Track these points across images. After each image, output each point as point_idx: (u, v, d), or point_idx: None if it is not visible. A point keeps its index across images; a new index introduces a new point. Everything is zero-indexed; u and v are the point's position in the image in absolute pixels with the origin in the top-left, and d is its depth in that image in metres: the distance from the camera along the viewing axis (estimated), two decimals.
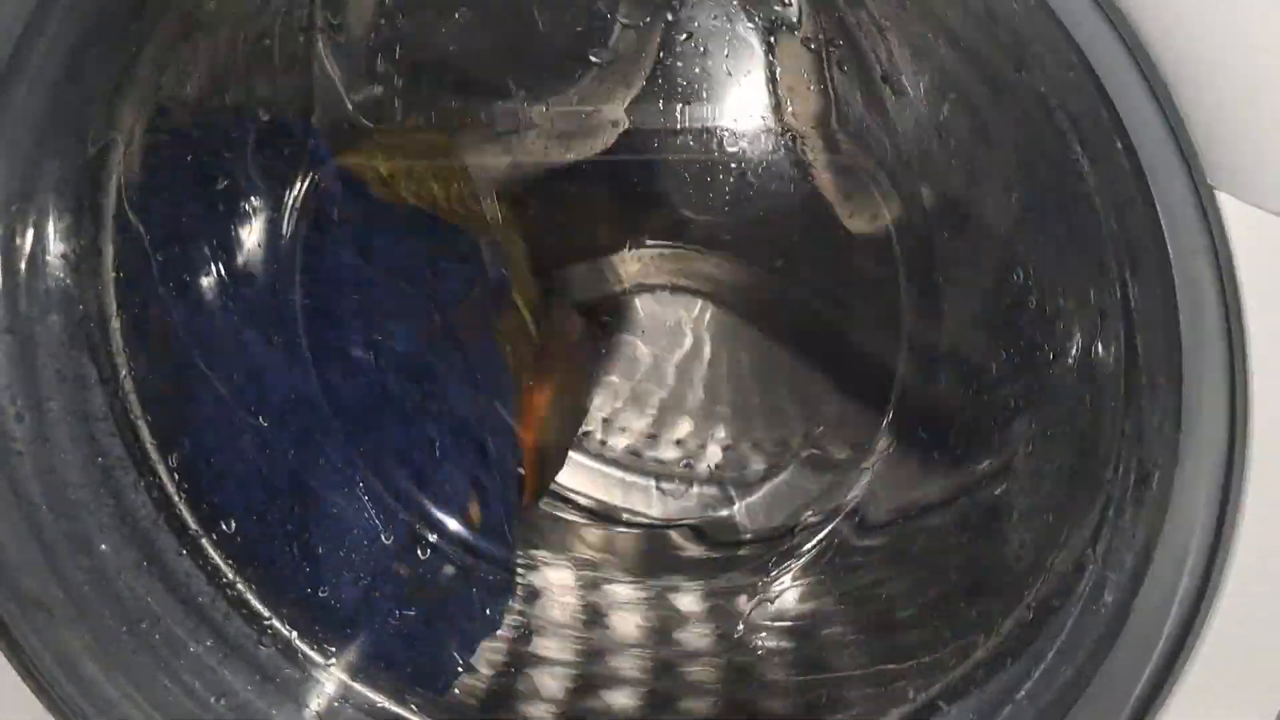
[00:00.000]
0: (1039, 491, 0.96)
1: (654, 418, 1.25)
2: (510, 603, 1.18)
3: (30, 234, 0.97)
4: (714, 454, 1.24)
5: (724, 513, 1.22)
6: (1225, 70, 0.65)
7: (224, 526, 1.09)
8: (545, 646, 1.17)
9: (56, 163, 0.97)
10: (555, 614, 1.19)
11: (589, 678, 1.15)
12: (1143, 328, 0.78)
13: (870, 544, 1.11)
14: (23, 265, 0.98)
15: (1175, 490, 0.78)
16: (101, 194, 1.01)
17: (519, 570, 1.19)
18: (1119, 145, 0.73)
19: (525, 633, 1.18)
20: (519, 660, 1.16)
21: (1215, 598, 0.76)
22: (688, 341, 1.22)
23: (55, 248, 0.99)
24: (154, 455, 1.07)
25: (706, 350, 1.21)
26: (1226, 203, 0.68)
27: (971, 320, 1.04)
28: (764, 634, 1.13)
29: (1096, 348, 0.87)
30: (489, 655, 1.15)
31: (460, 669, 1.14)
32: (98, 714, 0.99)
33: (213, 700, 1.05)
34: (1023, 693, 0.90)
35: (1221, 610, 0.76)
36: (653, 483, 1.25)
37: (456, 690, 1.13)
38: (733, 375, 1.23)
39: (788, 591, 1.13)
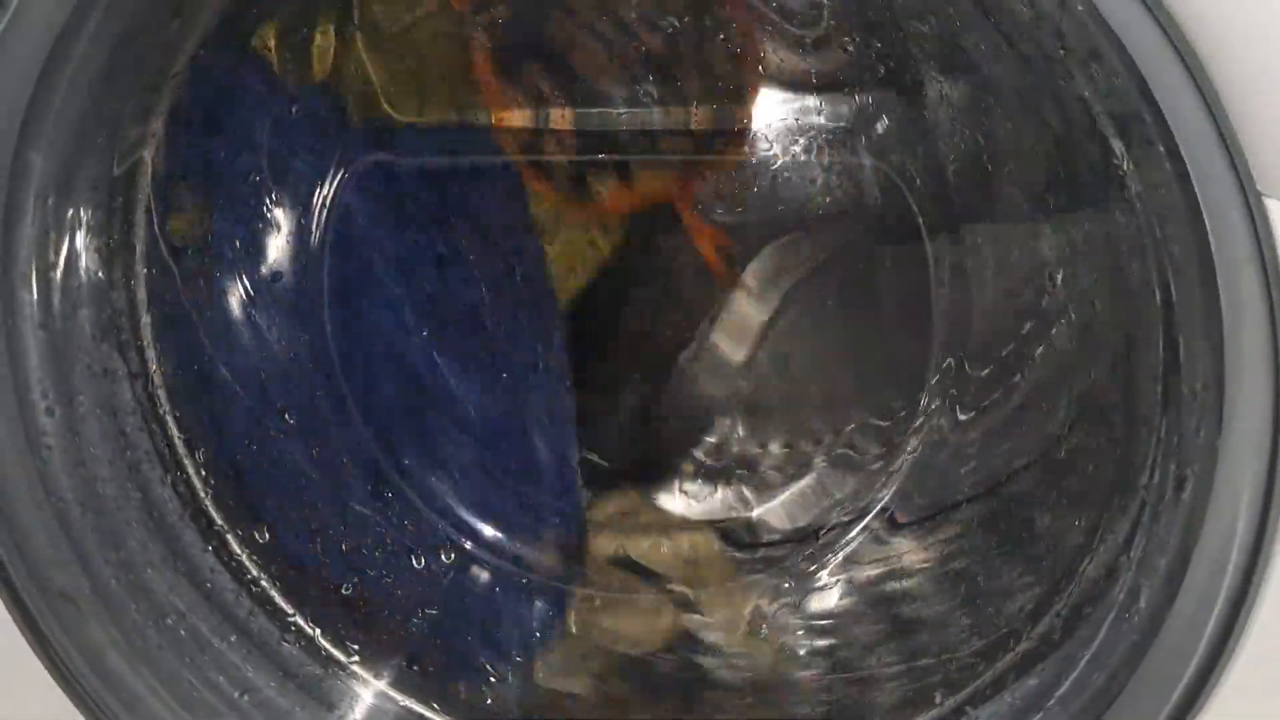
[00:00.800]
0: (1072, 495, 0.96)
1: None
2: (542, 607, 1.18)
3: (65, 229, 0.98)
4: (740, 454, 1.23)
5: (750, 514, 1.21)
6: (1277, 75, 0.65)
7: (249, 524, 1.10)
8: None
9: (93, 160, 0.97)
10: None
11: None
12: (1184, 333, 0.78)
13: (902, 541, 1.11)
14: (57, 260, 0.98)
15: (1213, 497, 0.77)
16: (135, 191, 1.02)
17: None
18: (1163, 150, 0.73)
19: (552, 635, 1.18)
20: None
21: (1254, 607, 0.75)
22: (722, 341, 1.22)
23: (89, 243, 1.00)
24: (181, 450, 1.07)
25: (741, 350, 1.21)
26: (1276, 210, 0.67)
27: (1005, 322, 1.03)
28: (791, 635, 1.13)
29: (1135, 351, 0.86)
30: (516, 659, 1.15)
31: (493, 676, 1.14)
32: (123, 708, 0.99)
33: (236, 696, 1.05)
34: (1053, 699, 0.90)
35: (1260, 620, 0.75)
36: (676, 483, 1.25)
37: (485, 696, 1.13)
38: (759, 375, 1.22)
39: (815, 592, 1.13)
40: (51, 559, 0.98)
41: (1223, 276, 0.72)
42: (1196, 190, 0.71)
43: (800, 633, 1.12)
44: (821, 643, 1.13)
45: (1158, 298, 0.80)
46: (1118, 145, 0.77)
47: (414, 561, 1.17)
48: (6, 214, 0.93)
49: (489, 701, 1.13)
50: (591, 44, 1.09)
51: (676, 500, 1.24)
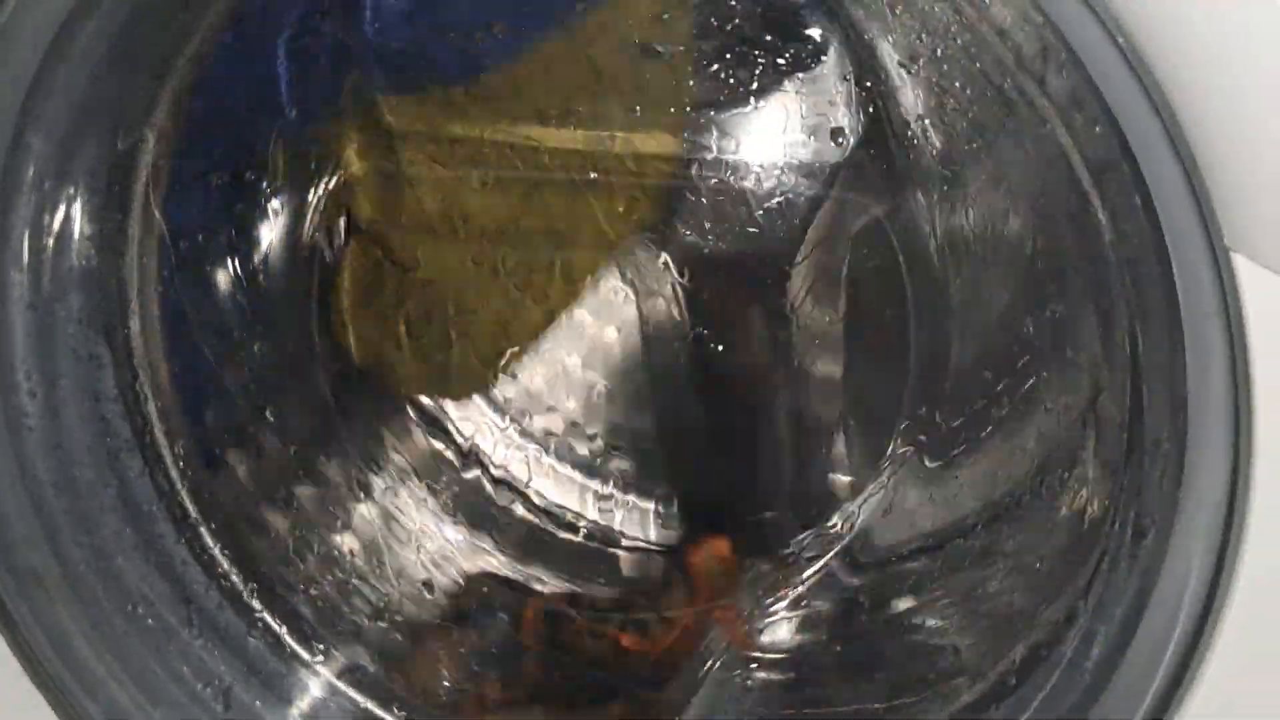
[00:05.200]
0: (1033, 539, 0.97)
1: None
2: (502, 617, 1.18)
3: (60, 212, 0.98)
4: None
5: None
6: (1249, 134, 0.66)
7: (222, 518, 1.10)
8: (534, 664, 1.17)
9: (92, 144, 0.98)
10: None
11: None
12: (1149, 383, 0.78)
13: (861, 581, 1.11)
14: (50, 242, 0.99)
15: (1171, 547, 0.78)
16: (132, 178, 1.02)
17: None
18: (1138, 201, 0.73)
19: (514, 648, 1.18)
20: (509, 675, 1.16)
21: (1205, 658, 0.76)
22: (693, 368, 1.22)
23: (83, 228, 1.00)
24: (161, 440, 1.07)
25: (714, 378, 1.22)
26: (1242, 265, 0.68)
27: (977, 364, 1.04)
28: (749, 665, 1.13)
29: (1101, 400, 0.87)
30: (475, 666, 1.15)
31: (448, 683, 1.14)
32: (84, 693, 1.00)
33: (199, 688, 1.05)
34: None
35: (1210, 673, 0.76)
36: (651, 507, 1.25)
37: (444, 700, 1.13)
38: (733, 404, 1.23)
39: (775, 624, 1.13)
40: (24, 539, 0.98)
41: (1189, 329, 0.73)
42: (1168, 243, 0.72)
43: (753, 665, 1.12)
44: (777, 675, 1.13)
45: (1126, 347, 0.80)
46: (1094, 195, 0.78)
47: (384, 564, 1.17)
48: (2, 193, 0.94)
49: (447, 705, 1.13)
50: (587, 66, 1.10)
51: (650, 524, 1.25)
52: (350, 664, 1.11)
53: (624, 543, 1.24)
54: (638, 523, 1.25)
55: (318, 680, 1.10)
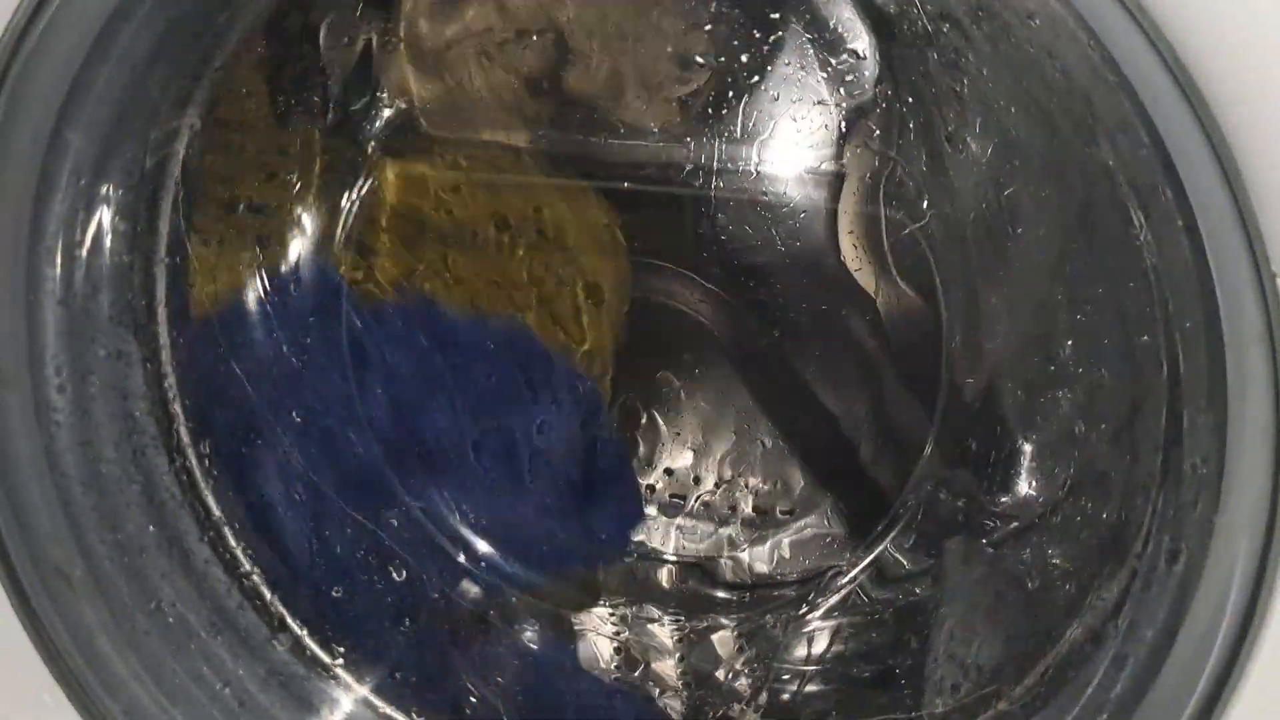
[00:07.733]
0: (1065, 558, 0.96)
1: (682, 456, 1.25)
2: (533, 629, 1.18)
3: (94, 210, 0.99)
4: (741, 496, 1.23)
5: (741, 554, 1.21)
6: None
7: (246, 518, 1.10)
8: None
9: (129, 144, 0.99)
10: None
11: None
12: (1189, 407, 0.78)
13: (890, 595, 1.11)
14: (83, 239, 0.99)
15: (1205, 573, 0.77)
16: (166, 177, 1.03)
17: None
18: (1182, 225, 0.73)
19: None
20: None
21: (1238, 687, 0.75)
22: (724, 383, 1.22)
23: (115, 225, 1.01)
24: (186, 439, 1.08)
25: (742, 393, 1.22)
26: None
27: (1012, 384, 1.04)
28: (782, 678, 1.13)
29: (1138, 421, 0.87)
30: (496, 679, 1.15)
31: (474, 696, 1.14)
32: (105, 690, 1.00)
33: (218, 688, 1.06)
34: None
35: (1244, 701, 0.75)
36: (675, 521, 1.25)
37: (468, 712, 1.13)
38: (766, 420, 1.23)
39: (806, 636, 1.13)
40: (49, 534, 0.99)
41: (1231, 354, 0.72)
42: (1211, 267, 0.72)
43: (786, 677, 1.12)
44: (805, 688, 1.12)
45: (1164, 370, 0.80)
46: (1138, 216, 0.78)
47: (405, 571, 1.17)
48: (39, 190, 0.95)
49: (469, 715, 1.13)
50: (622, 76, 1.10)
51: (670, 537, 1.25)
52: (372, 670, 1.11)
53: None
54: None
55: (338, 685, 1.10)
